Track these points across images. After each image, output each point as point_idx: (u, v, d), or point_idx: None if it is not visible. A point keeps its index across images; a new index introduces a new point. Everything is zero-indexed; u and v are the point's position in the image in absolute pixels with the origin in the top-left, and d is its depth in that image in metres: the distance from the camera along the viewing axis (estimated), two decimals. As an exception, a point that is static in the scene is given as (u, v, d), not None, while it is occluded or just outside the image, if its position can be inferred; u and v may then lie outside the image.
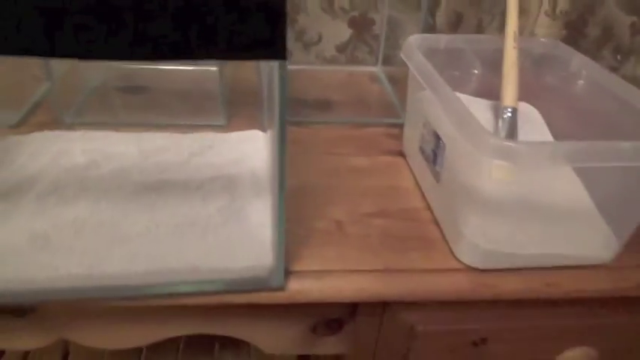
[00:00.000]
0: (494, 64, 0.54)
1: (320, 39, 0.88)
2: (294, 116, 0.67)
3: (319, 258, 0.45)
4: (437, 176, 0.49)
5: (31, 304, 0.40)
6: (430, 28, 0.89)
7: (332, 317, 0.49)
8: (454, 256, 0.45)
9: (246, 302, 0.42)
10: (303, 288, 0.42)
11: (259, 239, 0.42)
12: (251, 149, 0.56)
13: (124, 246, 0.41)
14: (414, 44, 0.54)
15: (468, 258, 0.44)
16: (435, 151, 0.49)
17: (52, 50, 0.27)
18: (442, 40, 0.57)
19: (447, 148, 0.46)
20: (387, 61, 0.87)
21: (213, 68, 0.81)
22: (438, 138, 0.48)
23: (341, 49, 0.90)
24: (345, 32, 0.88)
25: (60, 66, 0.63)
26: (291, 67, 0.62)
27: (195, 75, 0.81)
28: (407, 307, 0.47)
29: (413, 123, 0.57)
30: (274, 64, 0.31)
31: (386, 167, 0.59)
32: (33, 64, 0.78)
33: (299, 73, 0.82)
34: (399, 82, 0.79)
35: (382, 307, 0.47)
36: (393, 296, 0.43)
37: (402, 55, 0.55)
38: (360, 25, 0.88)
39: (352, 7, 0.86)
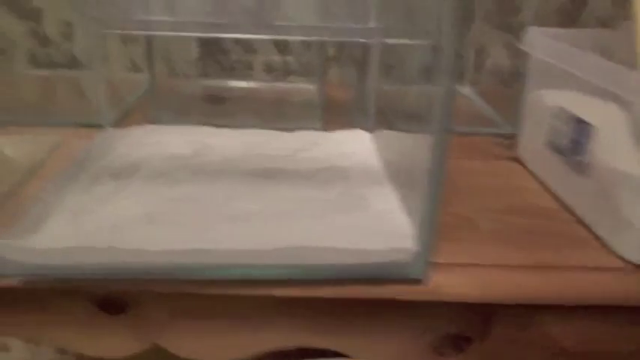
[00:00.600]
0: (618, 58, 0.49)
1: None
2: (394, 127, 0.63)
3: (458, 251, 0.39)
4: (581, 167, 0.43)
5: (144, 280, 0.35)
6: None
7: (460, 331, 0.42)
8: (616, 255, 0.39)
9: (377, 296, 0.36)
10: (447, 282, 0.36)
11: (391, 225, 0.37)
12: (358, 146, 0.52)
13: (240, 224, 0.37)
14: (536, 33, 0.50)
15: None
16: (576, 140, 0.43)
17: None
18: (561, 34, 0.53)
19: (599, 131, 0.41)
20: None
21: (304, 85, 0.81)
22: (581, 124, 0.43)
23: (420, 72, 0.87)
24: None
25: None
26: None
27: (282, 89, 0.80)
28: (556, 317, 0.40)
29: (533, 123, 0.52)
30: None
31: (503, 170, 0.53)
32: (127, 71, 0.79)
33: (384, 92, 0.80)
34: (489, 100, 0.76)
35: (524, 316, 0.40)
36: (552, 295, 0.37)
37: (523, 46, 0.51)
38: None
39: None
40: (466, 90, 0.82)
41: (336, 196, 0.41)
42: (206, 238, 0.34)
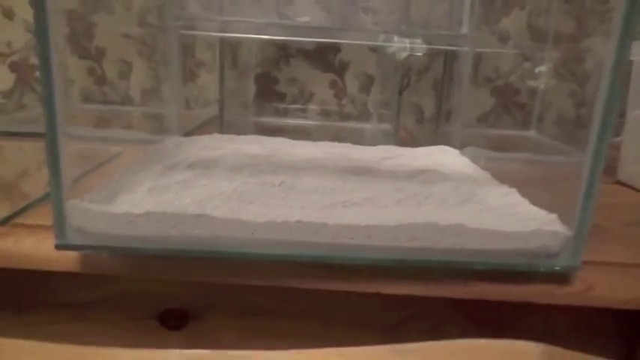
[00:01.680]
0: None
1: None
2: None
3: (600, 251, 0.32)
4: None
5: (247, 261, 0.29)
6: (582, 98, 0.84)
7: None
8: None
9: (516, 299, 0.29)
10: (600, 281, 0.29)
11: (522, 215, 0.31)
12: (445, 159, 0.47)
13: (351, 208, 0.31)
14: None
15: None
16: None
17: None
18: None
19: None
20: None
21: (361, 125, 0.78)
22: None
23: (482, 118, 0.85)
24: (488, 101, 0.84)
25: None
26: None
27: (339, 128, 0.77)
28: None
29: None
30: None
31: (610, 191, 0.48)
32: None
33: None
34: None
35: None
36: None
37: (634, 56, 0.47)
38: (501, 94, 0.84)
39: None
40: (532, 133, 0.79)
41: (448, 191, 0.35)
42: (316, 216, 0.29)
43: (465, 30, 0.48)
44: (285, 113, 0.82)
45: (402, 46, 0.51)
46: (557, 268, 0.28)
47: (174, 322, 0.36)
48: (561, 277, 0.29)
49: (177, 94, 0.52)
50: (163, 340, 0.36)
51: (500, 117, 0.84)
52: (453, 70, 0.54)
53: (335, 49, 0.81)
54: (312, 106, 0.83)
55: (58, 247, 0.28)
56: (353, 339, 0.33)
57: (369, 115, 0.83)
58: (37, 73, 0.80)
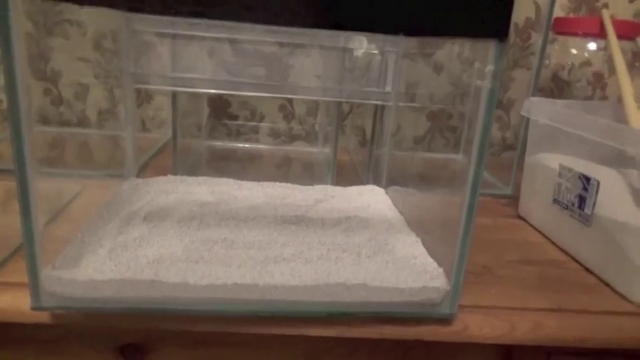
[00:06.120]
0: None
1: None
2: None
3: (479, 295, 0.41)
4: (587, 220, 0.46)
5: (193, 315, 0.35)
6: (506, 123, 0.93)
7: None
8: (628, 300, 0.41)
9: (412, 337, 0.37)
10: (474, 322, 0.37)
11: (419, 267, 0.39)
12: (373, 199, 0.54)
13: (280, 264, 0.38)
14: (536, 102, 0.55)
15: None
16: (581, 195, 0.47)
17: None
18: (558, 104, 0.58)
19: (603, 186, 0.44)
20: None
21: (308, 149, 0.85)
22: (585, 180, 0.47)
23: (418, 140, 0.93)
24: (424, 125, 0.92)
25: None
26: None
27: (287, 152, 0.83)
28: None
29: (535, 184, 0.56)
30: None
31: (509, 226, 0.56)
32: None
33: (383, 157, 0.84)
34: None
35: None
36: (575, 338, 0.38)
37: (524, 113, 0.56)
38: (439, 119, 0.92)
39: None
40: (460, 157, 0.88)
41: (364, 242, 0.43)
42: (249, 275, 0.35)
43: (388, 88, 0.55)
44: (237, 133, 0.88)
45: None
46: (438, 315, 0.36)
47: (134, 355, 0.42)
48: (444, 320, 0.37)
49: (133, 120, 0.57)
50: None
51: (434, 139, 0.93)
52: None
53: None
54: (263, 124, 0.89)
55: (33, 308, 0.33)
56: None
57: (315, 136, 0.90)
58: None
